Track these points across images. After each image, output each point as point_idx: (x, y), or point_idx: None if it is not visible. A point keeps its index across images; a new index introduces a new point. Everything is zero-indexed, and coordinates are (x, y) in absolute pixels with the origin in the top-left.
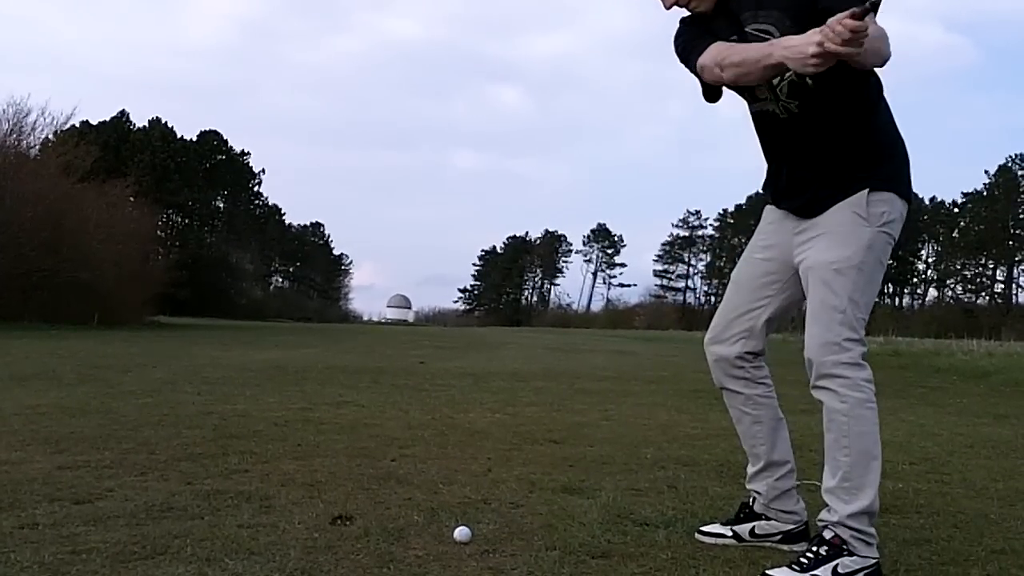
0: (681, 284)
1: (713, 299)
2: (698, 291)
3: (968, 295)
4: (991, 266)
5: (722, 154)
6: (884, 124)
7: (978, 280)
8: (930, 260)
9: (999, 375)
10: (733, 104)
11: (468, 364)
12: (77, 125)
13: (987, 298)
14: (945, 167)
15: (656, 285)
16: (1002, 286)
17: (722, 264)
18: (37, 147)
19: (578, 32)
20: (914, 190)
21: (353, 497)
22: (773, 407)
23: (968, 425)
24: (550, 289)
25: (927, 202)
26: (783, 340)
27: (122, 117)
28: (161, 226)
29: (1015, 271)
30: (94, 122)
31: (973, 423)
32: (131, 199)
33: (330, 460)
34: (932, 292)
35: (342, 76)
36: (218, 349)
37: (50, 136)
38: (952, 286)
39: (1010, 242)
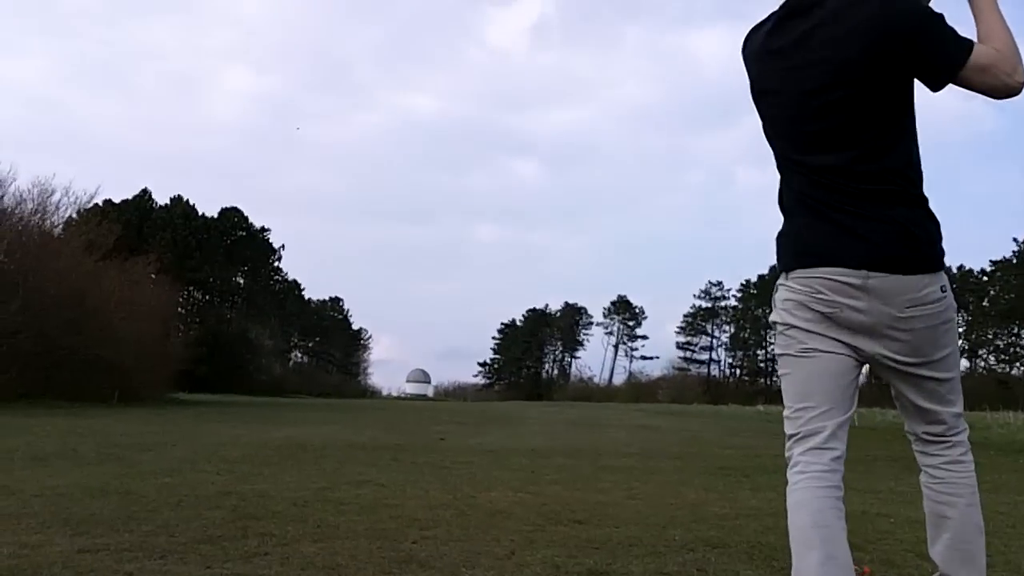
0: (705, 356)
1: (738, 371)
2: (722, 363)
3: (1001, 365)
4: None
5: (743, 223)
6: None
7: (1011, 350)
8: (960, 330)
9: None
10: (752, 173)
11: (489, 440)
12: (100, 203)
13: (1021, 368)
14: (972, 235)
15: (679, 357)
16: None
17: (746, 335)
18: (60, 226)
19: (594, 104)
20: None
21: None
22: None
23: (1008, 503)
24: (571, 362)
25: (955, 270)
26: None
27: (144, 195)
28: (182, 303)
29: None
30: (117, 200)
31: (1014, 501)
32: (152, 276)
33: (350, 542)
34: (964, 363)
35: (362, 152)
36: (237, 426)
37: (73, 215)
38: (984, 356)
39: None
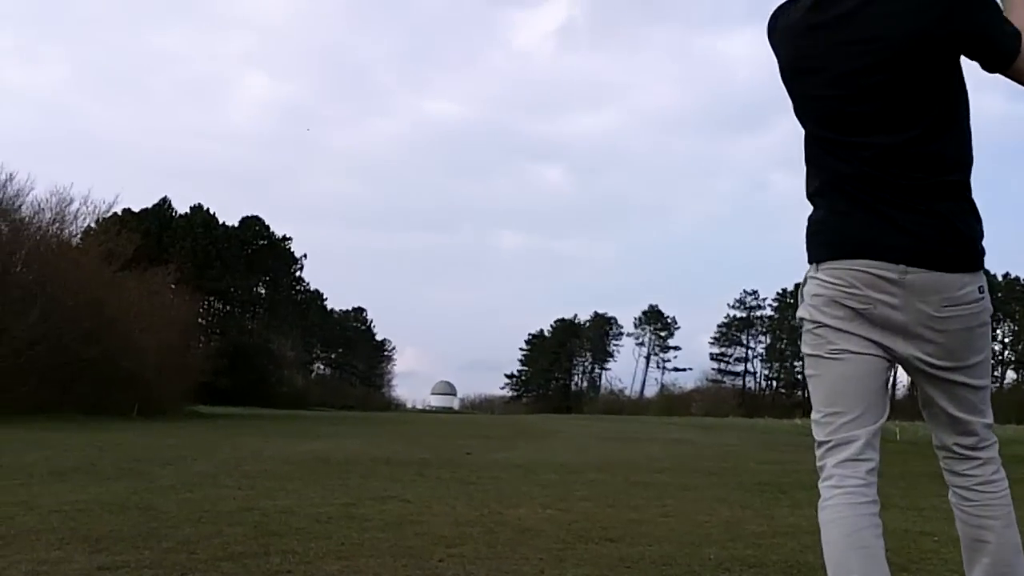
0: (739, 368)
1: (774, 383)
2: (758, 375)
3: None
4: None
5: (778, 230)
6: (806, 175)
7: None
8: (1006, 340)
9: None
10: (787, 178)
11: (517, 455)
12: (119, 213)
13: None
14: (1018, 241)
15: (713, 369)
16: None
17: (782, 346)
18: (79, 236)
19: (623, 108)
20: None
21: None
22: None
23: None
24: (601, 374)
25: (1000, 278)
26: None
27: (164, 204)
28: (202, 313)
29: None
30: (136, 209)
31: None
32: (172, 286)
33: (375, 560)
34: (1011, 375)
35: (383, 158)
36: (259, 440)
37: (92, 224)
38: None
39: None
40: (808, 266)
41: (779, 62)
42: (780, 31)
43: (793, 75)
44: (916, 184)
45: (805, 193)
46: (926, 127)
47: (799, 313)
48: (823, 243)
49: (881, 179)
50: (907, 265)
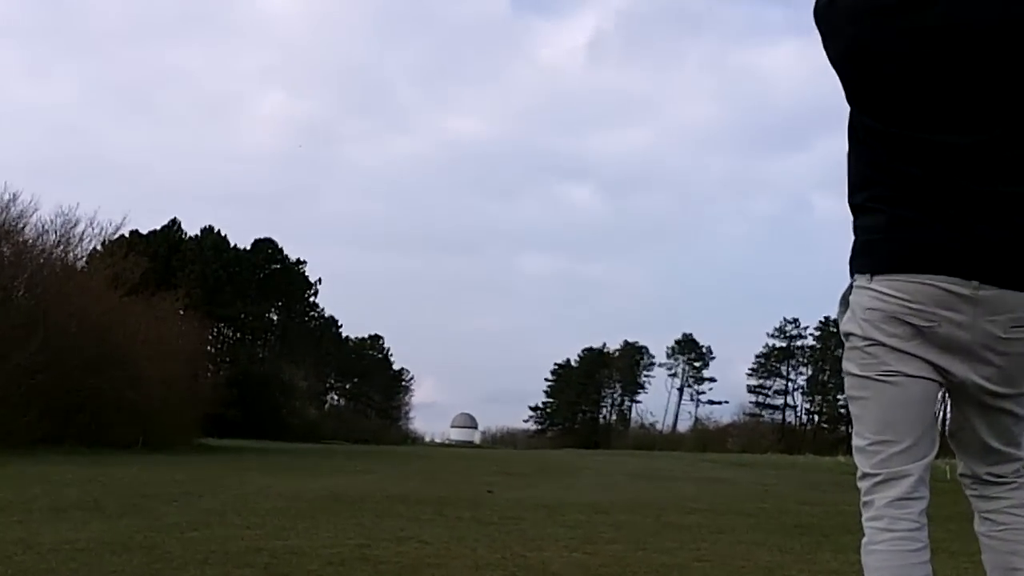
0: (779, 401)
1: (816, 418)
2: (799, 409)
3: None
4: None
5: (821, 254)
6: (853, 176)
7: None
8: None
9: None
10: (830, 199)
11: (541, 493)
12: (127, 235)
13: None
14: None
15: (750, 402)
16: None
17: (825, 378)
18: (84, 259)
19: (655, 125)
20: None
21: None
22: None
23: None
24: (631, 407)
25: None
26: None
27: (173, 226)
28: (211, 341)
29: None
30: (144, 231)
31: None
32: (180, 313)
33: None
34: None
35: (403, 178)
36: (269, 475)
37: (98, 247)
38: None
39: None
40: (856, 276)
41: (835, 44)
42: (839, 9)
43: (855, 60)
44: (991, 192)
45: (850, 197)
46: (1006, 129)
47: (845, 327)
48: (886, 253)
49: (955, 184)
50: (980, 281)
